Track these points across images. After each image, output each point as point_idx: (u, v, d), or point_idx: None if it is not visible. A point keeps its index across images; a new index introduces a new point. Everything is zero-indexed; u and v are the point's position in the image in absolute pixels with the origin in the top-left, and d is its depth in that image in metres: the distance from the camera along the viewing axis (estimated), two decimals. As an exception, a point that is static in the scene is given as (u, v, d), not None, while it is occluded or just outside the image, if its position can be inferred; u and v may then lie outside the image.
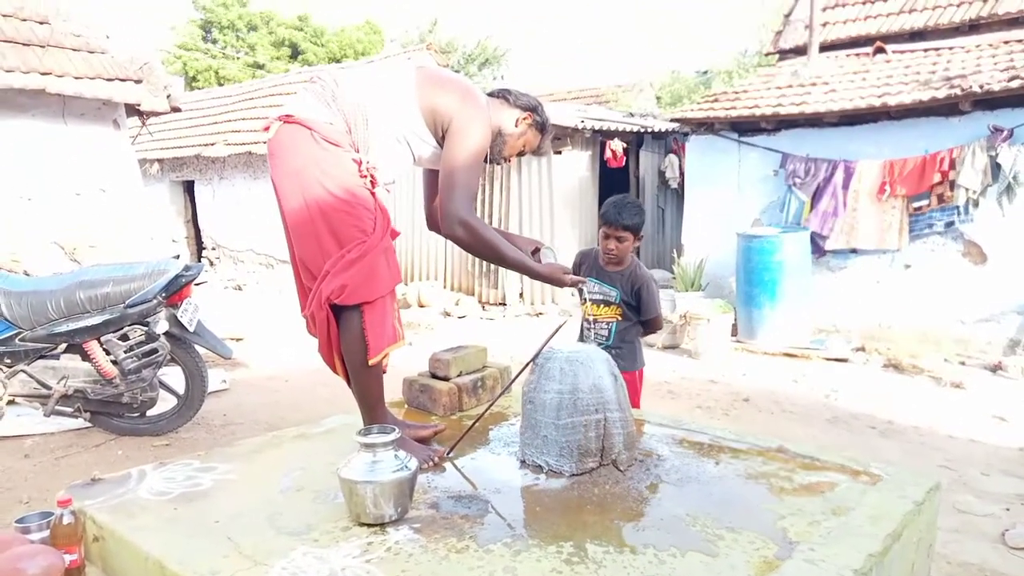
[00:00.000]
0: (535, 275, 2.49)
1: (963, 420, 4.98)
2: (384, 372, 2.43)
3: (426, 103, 2.34)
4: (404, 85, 2.35)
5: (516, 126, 2.51)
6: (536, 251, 2.64)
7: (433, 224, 2.68)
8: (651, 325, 3.36)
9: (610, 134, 9.79)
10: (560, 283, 2.50)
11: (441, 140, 2.37)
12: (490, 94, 2.54)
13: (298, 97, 2.34)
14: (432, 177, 2.62)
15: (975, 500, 3.60)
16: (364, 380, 2.35)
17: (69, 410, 4.20)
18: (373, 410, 2.39)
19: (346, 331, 2.28)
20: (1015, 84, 6.17)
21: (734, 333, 7.44)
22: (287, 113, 2.28)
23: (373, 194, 2.27)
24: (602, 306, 3.30)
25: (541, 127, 2.57)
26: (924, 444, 4.53)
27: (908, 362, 6.44)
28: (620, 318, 3.27)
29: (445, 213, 2.30)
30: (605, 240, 3.23)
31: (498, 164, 2.63)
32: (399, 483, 1.93)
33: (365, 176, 2.26)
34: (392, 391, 3.08)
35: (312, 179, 2.20)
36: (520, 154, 2.61)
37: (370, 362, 2.28)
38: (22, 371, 4.06)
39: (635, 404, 3.37)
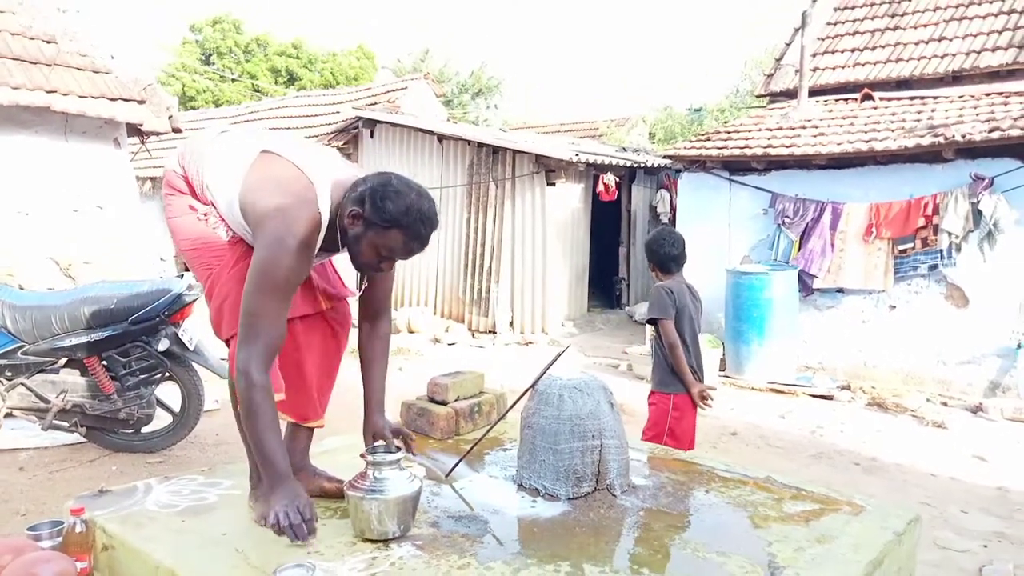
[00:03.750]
0: (268, 478, 2.03)
1: (944, 459, 5.09)
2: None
3: (245, 199, 2.06)
4: (235, 174, 2.10)
5: (349, 227, 2.02)
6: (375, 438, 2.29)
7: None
8: (660, 331, 3.59)
9: (603, 168, 9.98)
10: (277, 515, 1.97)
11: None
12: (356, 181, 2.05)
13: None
14: None
15: (954, 536, 3.70)
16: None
17: (66, 424, 4.22)
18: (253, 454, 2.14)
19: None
20: (995, 135, 6.39)
21: (722, 368, 7.54)
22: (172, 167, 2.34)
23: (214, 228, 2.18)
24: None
25: (371, 224, 1.97)
26: (906, 481, 4.63)
27: (892, 401, 6.55)
28: (654, 336, 3.70)
29: (230, 355, 2.06)
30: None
31: (367, 273, 2.18)
32: (403, 501, 2.01)
33: (202, 220, 2.19)
34: (390, 413, 3.16)
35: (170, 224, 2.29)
36: (386, 259, 2.05)
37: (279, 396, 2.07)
38: (22, 384, 4.10)
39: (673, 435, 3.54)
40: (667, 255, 3.63)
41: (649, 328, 3.70)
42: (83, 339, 4.06)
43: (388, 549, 1.96)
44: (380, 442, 2.26)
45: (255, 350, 1.95)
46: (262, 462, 2.02)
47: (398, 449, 2.18)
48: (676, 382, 3.54)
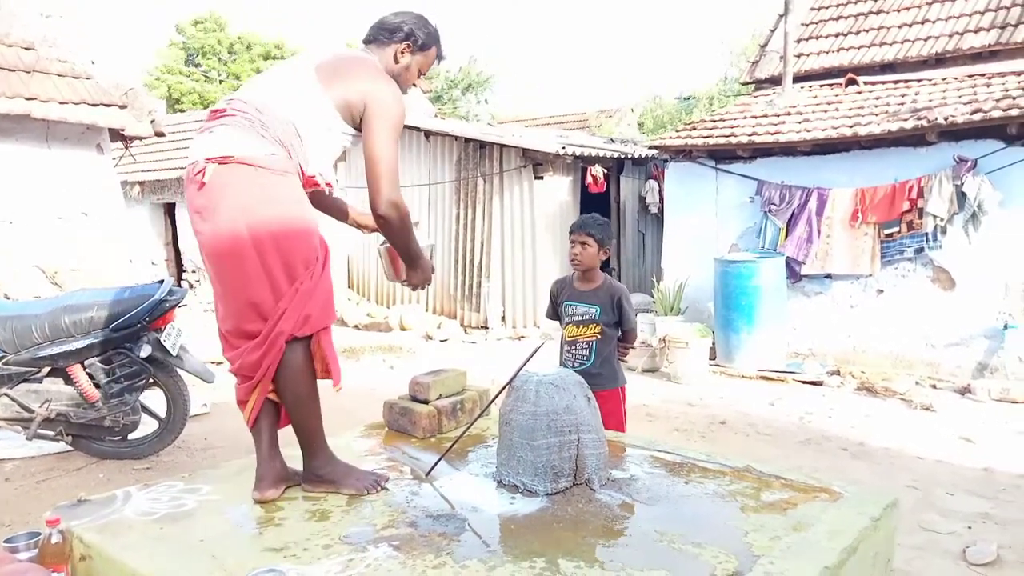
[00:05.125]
0: (422, 264, 2.57)
1: (931, 442, 5.12)
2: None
3: (338, 99, 2.30)
4: (314, 92, 2.29)
5: (396, 61, 2.48)
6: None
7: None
8: (629, 336, 3.53)
9: (591, 160, 9.97)
10: (428, 279, 2.62)
11: (358, 126, 2.35)
12: (365, 40, 2.52)
13: (223, 135, 2.20)
14: None
15: (940, 518, 3.72)
16: (307, 410, 2.33)
17: (51, 434, 4.22)
18: (313, 439, 2.36)
19: (290, 364, 2.24)
20: (977, 117, 6.40)
21: (712, 357, 7.56)
22: (222, 154, 2.15)
23: (315, 223, 2.31)
24: (581, 326, 3.42)
25: (423, 45, 2.51)
26: (893, 465, 4.65)
27: (881, 385, 6.58)
28: (599, 336, 3.40)
29: (376, 196, 2.29)
30: (571, 248, 3.43)
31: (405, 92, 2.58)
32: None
33: (320, 187, 2.38)
34: (374, 414, 3.16)
35: (263, 217, 2.15)
36: (422, 75, 2.58)
37: (336, 388, 2.32)
38: (5, 395, 4.09)
39: (620, 423, 3.47)
40: (609, 236, 3.48)
41: (586, 322, 3.49)
42: (65, 348, 4.05)
43: (364, 551, 1.96)
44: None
45: (396, 185, 2.31)
46: (416, 251, 2.50)
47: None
48: (622, 373, 3.56)
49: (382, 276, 11.61)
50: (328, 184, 2.43)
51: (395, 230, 2.40)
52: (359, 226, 2.87)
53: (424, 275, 2.60)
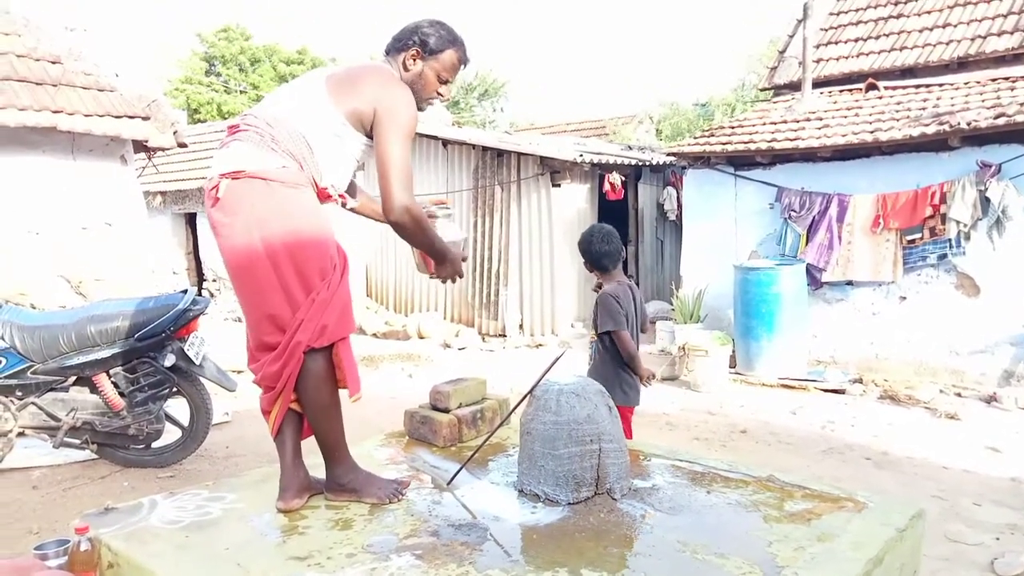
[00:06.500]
0: (450, 259, 2.54)
1: (957, 451, 5.05)
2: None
3: (348, 108, 2.30)
4: (323, 104, 2.31)
5: (407, 69, 2.44)
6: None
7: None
8: (617, 343, 3.49)
9: (609, 167, 9.96)
10: (458, 272, 2.60)
11: (371, 134, 2.35)
12: (385, 52, 2.50)
13: (236, 150, 2.26)
14: None
15: (966, 529, 3.66)
16: (329, 420, 2.35)
17: (77, 442, 4.28)
18: (335, 448, 2.39)
19: (310, 374, 2.27)
20: (1001, 121, 6.33)
21: (732, 365, 7.51)
22: (235, 169, 2.21)
23: (331, 232, 2.33)
24: (592, 330, 3.65)
25: (433, 50, 2.42)
26: (918, 474, 4.59)
27: (904, 393, 6.51)
28: (594, 341, 3.62)
29: (388, 202, 2.28)
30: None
31: (424, 109, 2.54)
32: (454, 244, 2.57)
33: (333, 200, 2.39)
34: (394, 423, 3.18)
35: (276, 230, 2.18)
36: (445, 82, 2.49)
37: (353, 399, 2.34)
38: (32, 403, 4.15)
39: None
40: (599, 252, 3.50)
41: (588, 335, 3.66)
42: (91, 357, 4.11)
43: (388, 560, 1.97)
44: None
45: (409, 190, 2.29)
46: (440, 248, 2.49)
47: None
48: (620, 394, 3.47)
49: (400, 284, 11.69)
50: (341, 196, 2.45)
51: (410, 234, 2.37)
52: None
53: (453, 268, 2.58)
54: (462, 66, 2.52)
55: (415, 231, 2.36)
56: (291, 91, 2.41)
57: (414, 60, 2.43)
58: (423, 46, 2.42)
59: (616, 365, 3.50)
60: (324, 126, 2.30)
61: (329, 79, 2.36)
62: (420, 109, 2.48)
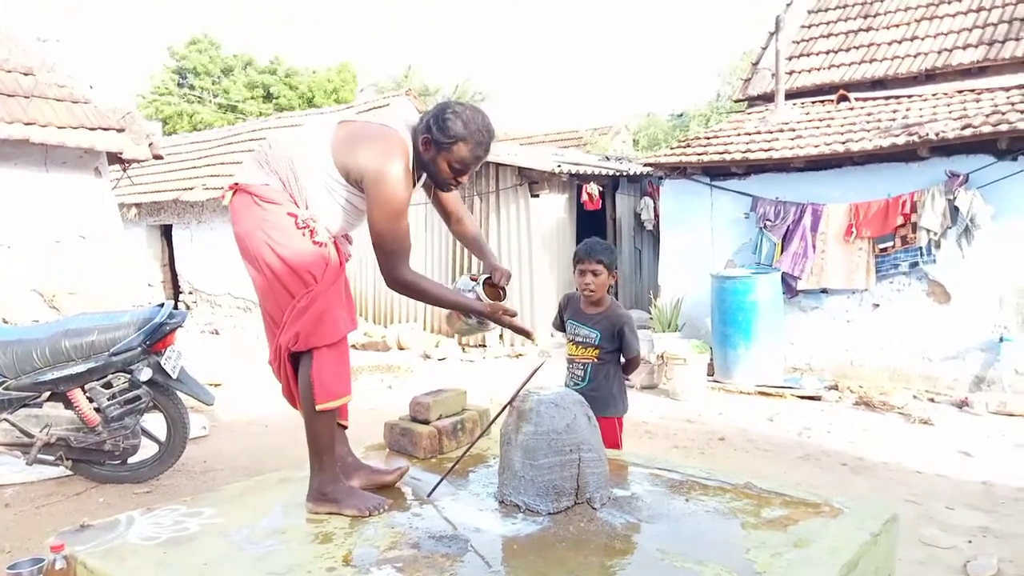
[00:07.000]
0: (475, 313, 2.53)
1: (930, 456, 5.13)
2: (345, 425, 2.63)
3: (339, 160, 2.35)
4: (321, 143, 2.37)
5: (422, 151, 2.41)
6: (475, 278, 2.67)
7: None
8: (631, 364, 3.49)
9: (586, 177, 10.03)
10: (499, 322, 2.54)
11: (363, 189, 2.37)
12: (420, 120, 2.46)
13: (243, 165, 2.47)
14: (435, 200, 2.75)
15: (940, 533, 3.72)
16: (314, 426, 2.42)
17: (51, 458, 4.21)
18: (320, 456, 2.44)
19: (301, 377, 2.41)
20: (968, 132, 6.47)
21: (711, 372, 7.57)
22: (235, 183, 2.42)
23: (319, 244, 2.34)
24: (580, 347, 3.43)
25: (440, 144, 2.36)
26: (892, 479, 4.66)
27: (879, 399, 6.60)
28: (596, 360, 3.39)
29: (384, 275, 2.40)
30: (581, 277, 3.36)
31: (446, 191, 2.56)
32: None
33: (302, 228, 2.33)
34: (374, 435, 3.17)
35: (259, 241, 2.33)
36: (459, 172, 2.42)
37: (317, 408, 2.37)
38: (5, 420, 4.08)
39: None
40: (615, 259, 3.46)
41: (587, 350, 3.41)
42: (65, 372, 4.06)
43: (368, 573, 1.97)
44: (486, 275, 2.64)
45: (404, 262, 2.38)
46: (461, 304, 2.53)
47: (501, 289, 2.63)
48: (622, 406, 3.47)
49: (379, 296, 11.64)
50: (312, 231, 2.34)
51: (415, 299, 2.49)
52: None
53: (493, 318, 2.52)
54: (476, 160, 2.41)
55: (417, 297, 2.47)
56: (309, 122, 2.57)
57: (426, 147, 2.39)
58: (434, 136, 2.36)
59: (621, 379, 3.49)
60: (317, 165, 2.38)
61: (340, 126, 2.45)
62: (444, 190, 2.56)
